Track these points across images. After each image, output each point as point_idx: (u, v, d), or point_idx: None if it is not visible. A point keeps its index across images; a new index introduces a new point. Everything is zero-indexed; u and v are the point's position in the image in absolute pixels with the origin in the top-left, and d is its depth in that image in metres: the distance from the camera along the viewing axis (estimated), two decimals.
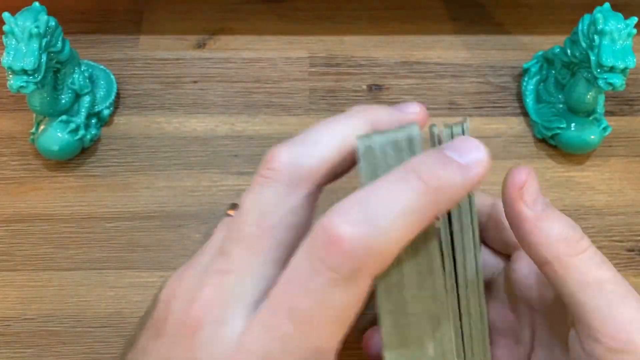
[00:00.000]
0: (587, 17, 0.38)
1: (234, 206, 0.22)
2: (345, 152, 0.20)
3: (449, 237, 0.22)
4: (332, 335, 0.17)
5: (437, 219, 0.19)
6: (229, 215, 0.22)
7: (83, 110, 0.40)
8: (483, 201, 0.27)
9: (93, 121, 0.41)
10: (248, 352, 0.17)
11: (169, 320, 0.19)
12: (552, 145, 0.42)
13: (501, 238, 0.26)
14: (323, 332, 0.17)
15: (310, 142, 0.20)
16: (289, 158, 0.19)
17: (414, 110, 0.22)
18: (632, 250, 0.39)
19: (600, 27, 0.36)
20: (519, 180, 0.21)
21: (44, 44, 0.36)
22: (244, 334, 0.17)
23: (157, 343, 0.19)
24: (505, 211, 0.22)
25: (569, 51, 0.39)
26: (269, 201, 0.19)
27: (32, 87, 0.35)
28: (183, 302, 0.19)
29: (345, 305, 0.17)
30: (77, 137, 0.39)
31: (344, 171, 0.21)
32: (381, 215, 0.16)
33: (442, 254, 0.21)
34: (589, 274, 0.20)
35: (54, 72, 0.39)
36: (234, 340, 0.17)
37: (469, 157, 0.18)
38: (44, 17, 0.36)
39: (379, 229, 0.16)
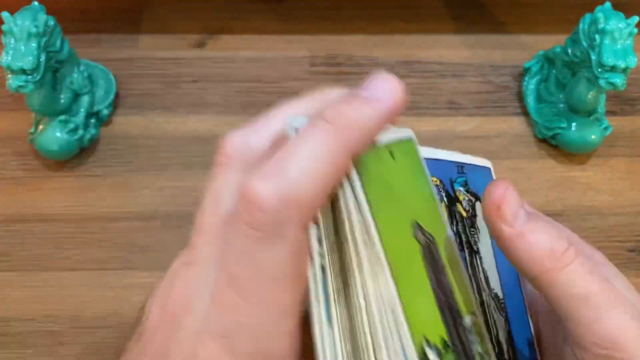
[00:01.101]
0: (588, 17, 0.38)
1: None
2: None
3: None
4: (277, 299, 0.17)
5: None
6: None
7: (82, 110, 0.40)
8: None
9: (92, 121, 0.41)
10: (210, 334, 0.17)
11: (148, 321, 0.19)
12: (553, 145, 0.42)
13: None
14: (265, 295, 0.17)
15: (260, 125, 0.20)
16: (239, 142, 0.19)
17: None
18: (633, 251, 0.39)
19: (601, 26, 0.36)
20: (496, 197, 0.21)
21: (42, 43, 0.35)
22: (204, 317, 0.17)
23: (138, 345, 0.19)
24: (488, 228, 0.22)
25: (569, 51, 0.39)
26: (222, 187, 0.19)
27: (31, 86, 0.35)
28: (159, 302, 0.19)
29: (278, 262, 0.16)
30: (76, 137, 0.39)
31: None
32: (292, 165, 0.16)
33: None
34: (574, 287, 0.20)
35: (53, 72, 0.38)
36: (198, 325, 0.17)
37: (376, 89, 0.18)
38: (43, 17, 0.36)
39: (293, 178, 0.16)
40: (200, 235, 0.19)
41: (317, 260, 0.18)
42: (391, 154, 0.21)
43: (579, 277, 0.20)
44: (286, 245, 0.16)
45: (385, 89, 0.18)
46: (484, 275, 0.25)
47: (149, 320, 0.19)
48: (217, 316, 0.17)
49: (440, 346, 0.20)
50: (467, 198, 0.26)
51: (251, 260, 0.16)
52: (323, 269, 0.18)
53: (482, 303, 0.24)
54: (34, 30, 0.35)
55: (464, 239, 0.25)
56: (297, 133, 0.17)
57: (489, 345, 0.22)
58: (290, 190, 0.16)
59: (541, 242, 0.20)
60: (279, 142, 0.17)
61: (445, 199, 0.25)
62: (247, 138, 0.19)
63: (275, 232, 0.16)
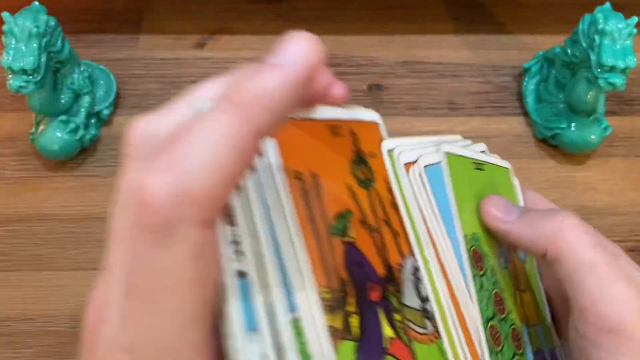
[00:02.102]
0: (587, 17, 0.38)
1: None
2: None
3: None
4: (178, 307, 0.14)
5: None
6: None
7: (83, 110, 0.40)
8: None
9: (93, 121, 0.41)
10: (118, 347, 0.15)
11: (81, 335, 0.18)
12: (552, 145, 0.42)
13: None
14: (164, 305, 0.14)
15: (165, 111, 0.17)
16: (143, 130, 0.16)
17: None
18: (634, 250, 0.39)
19: (600, 26, 0.36)
20: (485, 207, 0.24)
21: (43, 43, 0.35)
22: (115, 330, 0.15)
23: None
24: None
25: (569, 51, 0.39)
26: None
27: (31, 87, 0.35)
28: (89, 308, 0.18)
29: (174, 266, 0.14)
30: (77, 137, 0.39)
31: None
32: (188, 155, 0.14)
33: None
34: (582, 255, 0.21)
35: (53, 72, 0.38)
36: (110, 338, 0.16)
37: (285, 54, 0.15)
38: (43, 17, 0.36)
39: (187, 171, 0.14)
40: (112, 238, 0.16)
41: (230, 265, 0.16)
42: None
43: (587, 246, 0.21)
44: (182, 247, 0.14)
45: (294, 52, 0.15)
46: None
47: (83, 326, 0.18)
48: (123, 329, 0.15)
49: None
50: None
51: (146, 266, 0.14)
52: (241, 273, 0.16)
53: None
54: (34, 30, 0.35)
55: None
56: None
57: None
58: (182, 184, 0.14)
59: (541, 220, 0.22)
60: (178, 130, 0.15)
61: None
62: (150, 125, 0.16)
63: (170, 232, 0.14)
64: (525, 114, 0.43)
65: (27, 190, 0.40)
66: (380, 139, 0.23)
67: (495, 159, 0.27)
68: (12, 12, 0.35)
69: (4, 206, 0.39)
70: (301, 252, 0.17)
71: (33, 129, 0.40)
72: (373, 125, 0.23)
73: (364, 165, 0.21)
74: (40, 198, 0.39)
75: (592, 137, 0.40)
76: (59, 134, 0.39)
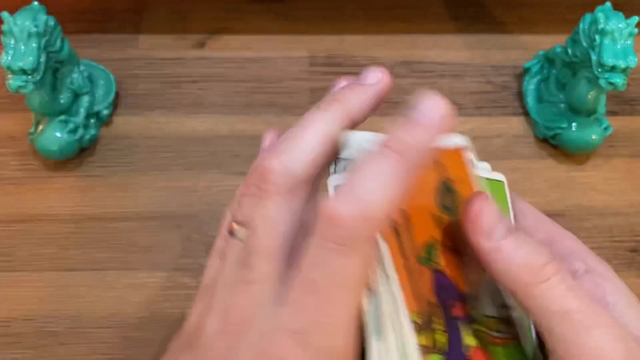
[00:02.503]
0: (588, 17, 0.38)
1: (233, 223, 0.23)
2: (328, 147, 0.22)
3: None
4: (349, 302, 0.19)
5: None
6: (231, 234, 0.23)
7: (82, 110, 0.40)
8: None
9: (92, 121, 0.41)
10: (283, 331, 0.19)
11: (204, 332, 0.21)
12: (553, 145, 0.42)
13: None
14: (338, 299, 0.19)
15: (295, 148, 0.22)
16: (281, 169, 0.22)
17: (376, 79, 0.25)
18: (634, 251, 0.39)
19: (601, 26, 0.36)
20: (473, 210, 0.22)
21: (43, 43, 0.35)
22: (274, 319, 0.20)
23: (191, 354, 0.21)
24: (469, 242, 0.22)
25: (570, 51, 0.39)
26: (274, 214, 0.21)
27: (31, 86, 0.35)
28: (218, 316, 0.21)
29: (352, 272, 0.19)
30: (76, 137, 0.39)
31: (329, 159, 0.23)
32: (365, 188, 0.19)
33: None
34: (553, 303, 0.20)
35: (53, 72, 0.38)
36: (266, 327, 0.20)
37: (425, 111, 0.20)
38: (43, 17, 0.36)
39: (366, 199, 0.19)
40: (257, 257, 0.21)
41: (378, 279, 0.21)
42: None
43: (558, 293, 0.20)
44: (359, 257, 0.19)
45: (432, 109, 0.20)
46: None
47: (204, 330, 0.21)
48: (293, 315, 0.19)
49: None
50: None
51: (330, 268, 0.19)
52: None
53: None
54: (34, 30, 0.35)
55: None
56: (362, 157, 0.20)
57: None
58: (366, 210, 0.19)
59: (519, 255, 0.21)
60: (353, 168, 0.20)
61: None
62: (285, 164, 0.22)
63: (352, 245, 0.19)
64: (526, 113, 0.43)
65: (26, 190, 0.40)
66: (468, 163, 0.24)
67: (489, 173, 0.26)
68: (12, 11, 0.35)
69: (4, 206, 0.39)
70: (395, 284, 0.21)
71: (32, 129, 0.40)
72: (458, 151, 0.25)
73: (449, 193, 0.24)
74: (39, 198, 0.39)
75: (593, 137, 0.40)
76: (58, 134, 0.39)
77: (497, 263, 0.21)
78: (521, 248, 0.21)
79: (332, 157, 0.23)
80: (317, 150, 0.22)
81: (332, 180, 0.22)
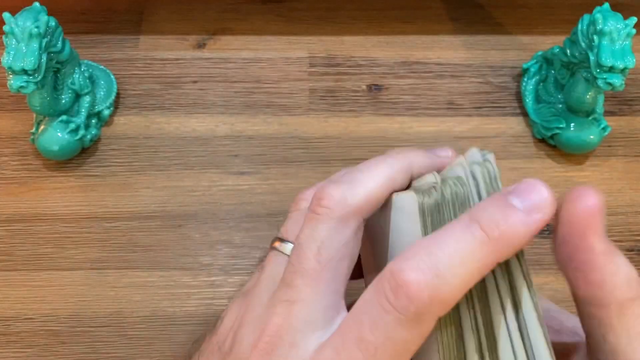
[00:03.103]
0: (586, 17, 0.38)
1: (278, 240, 0.24)
2: (386, 190, 0.22)
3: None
4: None
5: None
6: (274, 247, 0.24)
7: (83, 110, 0.40)
8: None
9: (93, 121, 0.41)
10: None
11: (237, 344, 0.21)
12: (551, 145, 0.42)
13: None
14: None
15: (357, 182, 0.22)
16: (339, 196, 0.21)
17: (446, 155, 0.24)
18: (632, 250, 0.39)
19: (599, 27, 0.36)
20: (593, 204, 0.19)
21: (44, 44, 0.36)
22: (315, 354, 0.19)
23: None
24: (563, 239, 0.19)
25: (568, 51, 0.39)
26: (324, 236, 0.21)
27: (32, 87, 0.35)
28: (253, 329, 0.21)
29: (407, 342, 0.18)
30: (77, 137, 0.39)
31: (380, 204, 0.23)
32: (445, 264, 0.18)
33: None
34: None
35: (54, 72, 0.39)
36: (305, 355, 0.20)
37: (531, 202, 0.18)
38: (44, 17, 0.36)
39: (443, 277, 0.17)
40: (302, 277, 0.21)
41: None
42: None
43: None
44: (419, 331, 0.18)
45: (540, 203, 0.18)
46: None
47: (238, 343, 0.21)
48: (331, 357, 0.19)
49: None
50: None
51: (385, 334, 0.18)
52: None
53: None
54: (35, 31, 0.35)
55: None
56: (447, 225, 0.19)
57: None
58: (440, 290, 0.17)
59: (625, 267, 0.19)
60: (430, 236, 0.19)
61: None
62: (345, 194, 0.21)
63: (415, 319, 0.18)
64: (524, 114, 0.43)
65: (27, 190, 0.40)
66: None
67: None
68: (13, 12, 0.36)
69: (4, 206, 0.39)
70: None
71: (33, 129, 0.40)
72: None
73: None
74: (40, 198, 0.40)
75: (591, 137, 0.40)
76: (59, 134, 0.39)
77: (603, 271, 0.19)
78: (624, 260, 0.19)
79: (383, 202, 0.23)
80: (376, 189, 0.22)
81: (398, 199, 0.21)
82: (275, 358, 0.20)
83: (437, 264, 0.18)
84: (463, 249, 0.18)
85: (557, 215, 0.19)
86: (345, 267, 0.21)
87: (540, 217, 0.18)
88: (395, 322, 0.18)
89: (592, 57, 0.36)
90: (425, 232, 0.20)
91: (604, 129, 0.41)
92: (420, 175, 0.23)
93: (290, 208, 0.24)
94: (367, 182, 0.22)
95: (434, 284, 0.17)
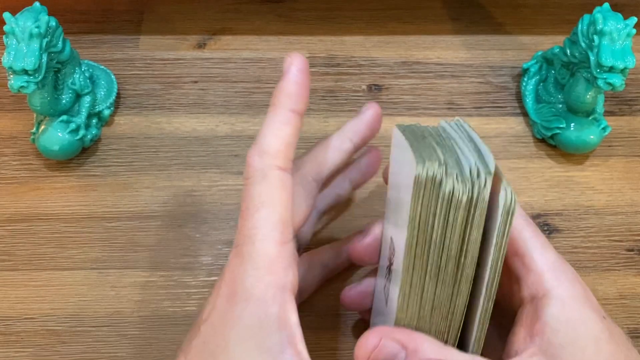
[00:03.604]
0: (586, 17, 0.38)
1: None
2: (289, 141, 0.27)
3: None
4: (269, 213, 0.25)
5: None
6: None
7: (84, 110, 0.40)
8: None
9: (93, 121, 0.41)
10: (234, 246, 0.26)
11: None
12: (551, 145, 0.42)
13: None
14: (262, 210, 0.25)
15: (265, 142, 0.26)
16: (256, 159, 0.26)
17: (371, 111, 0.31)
18: (632, 250, 0.39)
19: (599, 27, 0.36)
20: (368, 347, 0.24)
21: (44, 44, 0.36)
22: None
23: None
24: None
25: (568, 51, 0.40)
26: (254, 193, 0.25)
27: (32, 87, 0.35)
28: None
29: (261, 193, 0.25)
30: (78, 137, 0.39)
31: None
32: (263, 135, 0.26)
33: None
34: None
35: (54, 72, 0.39)
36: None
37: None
38: (44, 17, 0.36)
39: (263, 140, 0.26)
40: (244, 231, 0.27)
41: None
42: None
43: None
44: (268, 183, 0.25)
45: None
46: None
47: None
48: (234, 242, 0.26)
49: None
50: None
51: (247, 193, 0.25)
52: None
53: None
54: (35, 31, 0.35)
55: None
56: None
57: None
58: (261, 147, 0.25)
59: None
60: None
61: None
62: (263, 157, 0.26)
63: (262, 175, 0.25)
64: (524, 114, 0.43)
65: (27, 190, 0.40)
66: None
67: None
68: (13, 12, 0.36)
69: (5, 206, 0.39)
70: None
71: (34, 129, 0.40)
72: None
73: None
74: (40, 198, 0.40)
75: (591, 137, 0.40)
76: (59, 134, 0.39)
77: None
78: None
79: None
80: (283, 142, 0.26)
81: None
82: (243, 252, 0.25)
83: (259, 142, 0.25)
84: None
85: None
86: (280, 213, 0.25)
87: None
88: (249, 184, 0.25)
89: (592, 57, 0.36)
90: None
91: (604, 129, 0.41)
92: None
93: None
94: (273, 141, 0.26)
95: (259, 148, 0.25)
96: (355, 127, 0.32)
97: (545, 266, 0.25)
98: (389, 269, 0.27)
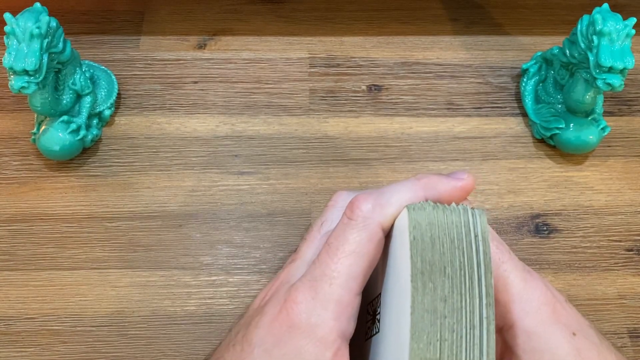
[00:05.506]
0: (585, 18, 0.38)
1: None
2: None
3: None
4: (353, 265, 0.25)
5: None
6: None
7: (84, 110, 0.41)
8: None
9: (94, 121, 0.41)
10: (301, 282, 0.26)
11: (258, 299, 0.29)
12: (551, 145, 0.42)
13: None
14: (346, 260, 0.25)
15: (384, 199, 0.26)
16: (369, 209, 0.26)
17: (461, 177, 0.28)
18: (631, 250, 0.39)
19: (599, 27, 0.36)
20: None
21: (45, 44, 0.36)
22: (300, 277, 0.26)
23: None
24: None
25: (567, 52, 0.40)
26: (351, 239, 0.26)
27: (33, 87, 0.35)
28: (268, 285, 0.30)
29: (358, 242, 0.25)
30: (78, 137, 0.39)
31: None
32: (385, 195, 0.26)
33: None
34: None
35: (55, 73, 0.39)
36: (293, 282, 0.26)
37: (457, 177, 0.27)
38: (45, 18, 0.36)
39: (383, 198, 0.26)
40: (305, 244, 0.29)
41: None
42: None
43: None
44: (368, 234, 0.25)
45: (463, 177, 0.27)
46: None
47: (259, 299, 0.29)
48: (309, 270, 0.26)
49: None
50: None
51: (343, 236, 0.25)
52: None
53: None
54: (36, 31, 0.35)
55: None
56: None
57: None
58: (379, 200, 0.26)
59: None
60: None
61: None
62: (375, 211, 0.26)
63: (363, 224, 0.25)
64: (524, 114, 0.44)
65: (28, 190, 0.40)
66: None
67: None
68: (14, 13, 0.36)
69: (5, 206, 0.39)
70: None
71: (34, 129, 0.40)
72: None
73: None
74: (41, 198, 0.40)
75: (590, 137, 0.40)
76: (60, 135, 0.39)
77: None
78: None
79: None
80: (397, 210, 0.26)
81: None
82: (279, 290, 0.27)
83: (379, 195, 0.26)
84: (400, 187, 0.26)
85: None
86: (364, 267, 0.25)
87: (461, 183, 0.26)
88: (349, 226, 0.25)
89: (591, 58, 0.37)
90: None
91: (603, 129, 0.41)
92: (441, 197, 0.27)
93: (327, 203, 0.31)
94: (392, 202, 0.26)
95: (376, 200, 0.26)
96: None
97: (509, 297, 0.26)
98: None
